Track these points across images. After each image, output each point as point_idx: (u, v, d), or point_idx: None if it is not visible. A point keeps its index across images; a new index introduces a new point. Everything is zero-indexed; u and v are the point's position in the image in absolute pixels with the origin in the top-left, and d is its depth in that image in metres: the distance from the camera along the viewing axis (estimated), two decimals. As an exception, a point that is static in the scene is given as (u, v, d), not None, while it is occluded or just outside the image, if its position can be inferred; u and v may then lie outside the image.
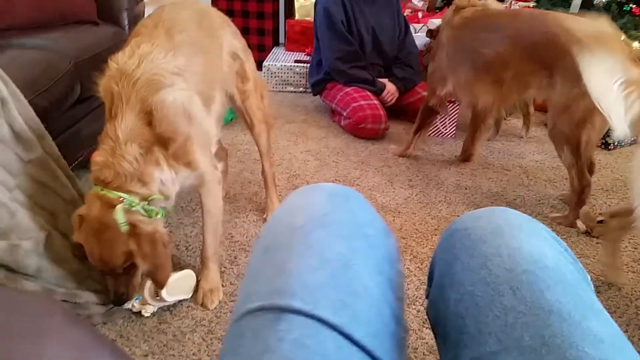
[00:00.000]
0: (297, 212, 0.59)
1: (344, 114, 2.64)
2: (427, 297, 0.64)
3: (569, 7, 3.20)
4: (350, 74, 2.69)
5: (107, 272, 1.16)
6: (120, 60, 1.18)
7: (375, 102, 2.63)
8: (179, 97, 1.20)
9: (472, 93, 2.08)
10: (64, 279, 1.21)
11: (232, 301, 1.40)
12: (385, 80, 2.75)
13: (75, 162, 1.90)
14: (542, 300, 0.48)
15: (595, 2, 2.99)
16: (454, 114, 2.61)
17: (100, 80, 1.19)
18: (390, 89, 2.74)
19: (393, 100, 2.76)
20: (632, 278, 1.56)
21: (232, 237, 1.70)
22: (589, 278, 0.57)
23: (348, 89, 2.69)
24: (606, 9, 2.97)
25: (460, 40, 2.07)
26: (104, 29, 2.25)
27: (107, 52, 2.09)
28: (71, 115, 1.89)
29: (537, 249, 0.54)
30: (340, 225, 0.56)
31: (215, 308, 1.37)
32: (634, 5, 2.90)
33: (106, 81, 1.17)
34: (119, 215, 1.10)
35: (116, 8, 2.44)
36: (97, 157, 1.15)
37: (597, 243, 1.74)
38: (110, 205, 1.11)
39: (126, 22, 2.45)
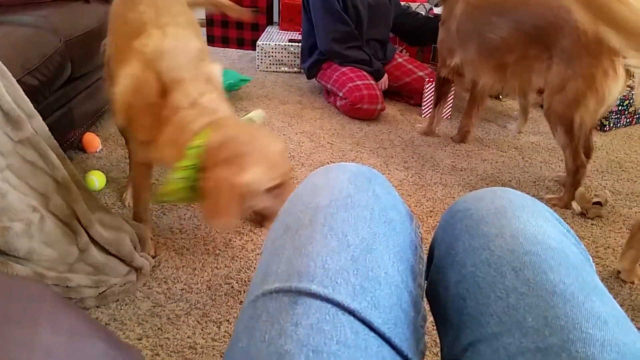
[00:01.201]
0: (320, 191, 0.57)
1: (340, 94, 2.62)
2: (425, 278, 0.63)
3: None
4: (347, 55, 2.65)
5: None
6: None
7: (372, 82, 2.60)
8: None
9: (475, 72, 2.08)
10: (56, 261, 1.20)
11: (227, 284, 1.39)
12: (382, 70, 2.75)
13: (67, 143, 1.87)
14: (545, 281, 0.47)
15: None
16: (450, 94, 2.59)
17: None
18: (385, 78, 2.74)
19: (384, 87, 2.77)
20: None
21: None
22: (591, 259, 0.56)
23: (344, 69, 2.65)
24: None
25: (472, 19, 2.04)
26: (94, 7, 2.20)
27: (99, 30, 2.06)
28: (62, 95, 1.85)
29: (540, 230, 0.54)
30: (364, 208, 0.55)
31: (210, 291, 1.37)
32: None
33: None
34: None
35: (106, -15, 2.38)
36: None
37: (592, 224, 1.75)
38: None
39: (117, -1, 2.40)
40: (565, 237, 0.55)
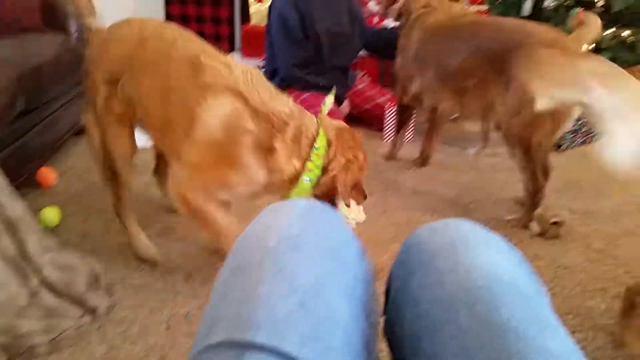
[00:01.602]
0: (269, 231, 0.56)
1: (303, 120, 2.62)
2: (384, 313, 0.62)
3: (520, 11, 3.28)
4: (307, 80, 2.67)
5: None
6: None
7: (334, 109, 2.62)
8: None
9: (435, 97, 2.12)
10: (3, 305, 1.14)
11: (188, 323, 1.35)
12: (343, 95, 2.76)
13: (21, 179, 1.81)
14: (498, 317, 0.47)
15: (544, 5, 3.08)
16: (411, 119, 2.63)
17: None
18: (345, 105, 2.75)
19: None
20: (583, 278, 1.60)
21: (187, 253, 1.65)
22: (544, 290, 0.57)
23: (305, 95, 2.67)
24: (555, 11, 3.06)
25: (430, 45, 2.10)
26: (49, 38, 2.16)
27: (55, 61, 2.02)
28: (15, 129, 1.80)
29: (493, 264, 0.53)
30: (313, 247, 0.54)
31: (169, 331, 1.32)
32: (581, 9, 3.00)
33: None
34: None
35: (62, 15, 2.35)
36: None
37: (551, 244, 1.78)
38: None
39: (73, 29, 2.37)
40: (519, 268, 0.55)
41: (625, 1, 2.79)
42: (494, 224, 1.90)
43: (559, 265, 1.66)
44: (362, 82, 2.94)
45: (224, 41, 3.65)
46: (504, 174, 2.33)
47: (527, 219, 1.87)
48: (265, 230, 0.57)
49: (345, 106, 2.76)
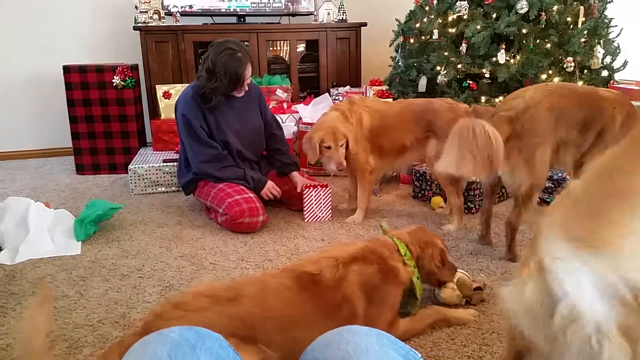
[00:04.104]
0: None
1: (220, 210, 2.57)
2: None
3: (417, 87, 3.53)
4: (219, 176, 2.64)
5: None
6: None
7: (251, 195, 2.60)
8: None
9: (387, 163, 2.76)
10: None
11: None
12: (263, 178, 2.73)
13: None
14: None
15: (438, 82, 3.33)
16: (328, 197, 2.67)
17: None
18: (270, 186, 2.72)
19: (278, 195, 2.74)
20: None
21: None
22: None
23: (221, 185, 2.63)
24: (448, 86, 3.31)
25: (378, 129, 2.65)
26: None
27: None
28: None
29: None
30: None
31: None
32: (471, 82, 3.27)
33: None
34: None
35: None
36: None
37: (474, 310, 1.78)
38: None
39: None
40: None
41: (507, 72, 3.09)
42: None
43: (486, 330, 1.66)
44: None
45: (133, 137, 3.58)
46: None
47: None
48: None
49: (271, 187, 2.72)
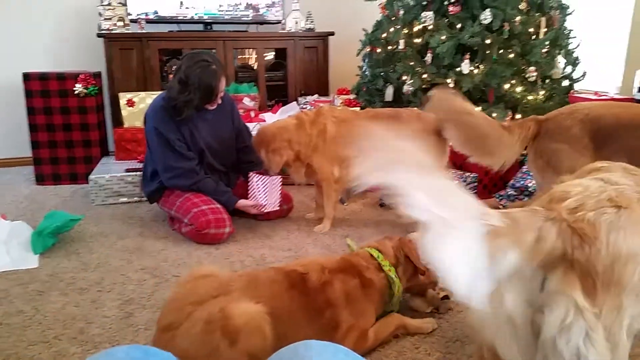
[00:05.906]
0: None
1: (185, 220, 2.52)
2: None
3: (384, 96, 3.55)
4: (192, 190, 2.59)
5: None
6: None
7: (218, 205, 2.55)
8: None
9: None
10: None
11: None
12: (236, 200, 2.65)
13: None
14: None
15: (404, 91, 3.35)
16: (275, 185, 2.59)
17: None
18: (247, 205, 2.62)
19: (260, 211, 2.65)
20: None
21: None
22: None
23: (188, 194, 2.57)
24: (414, 95, 3.34)
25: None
26: None
27: None
28: None
29: None
30: None
31: None
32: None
33: None
34: None
35: None
36: None
37: (439, 318, 1.78)
38: None
39: None
40: None
41: (471, 82, 3.13)
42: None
43: (449, 339, 1.66)
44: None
45: (95, 146, 3.50)
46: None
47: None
48: None
49: (245, 205, 2.64)
